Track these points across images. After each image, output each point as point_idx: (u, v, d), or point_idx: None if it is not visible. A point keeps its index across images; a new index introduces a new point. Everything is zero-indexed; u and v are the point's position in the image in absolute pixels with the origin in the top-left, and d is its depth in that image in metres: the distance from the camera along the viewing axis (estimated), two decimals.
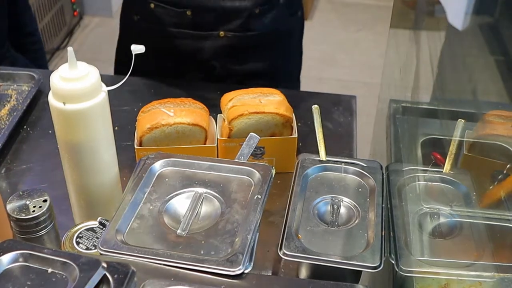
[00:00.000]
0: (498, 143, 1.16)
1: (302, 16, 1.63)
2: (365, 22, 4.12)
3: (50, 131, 1.36)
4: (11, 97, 1.47)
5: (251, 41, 1.49)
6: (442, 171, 1.13)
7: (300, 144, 1.29)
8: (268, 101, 1.21)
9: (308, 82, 3.57)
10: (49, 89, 0.98)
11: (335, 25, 4.11)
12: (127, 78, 1.06)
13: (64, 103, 0.96)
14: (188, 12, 1.39)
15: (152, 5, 1.45)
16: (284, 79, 1.41)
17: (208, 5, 1.38)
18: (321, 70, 3.68)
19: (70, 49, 0.95)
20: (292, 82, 1.66)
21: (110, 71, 3.47)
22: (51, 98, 0.98)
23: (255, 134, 1.08)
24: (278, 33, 1.53)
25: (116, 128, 1.10)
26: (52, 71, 1.55)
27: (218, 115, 1.26)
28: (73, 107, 0.96)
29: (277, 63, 1.57)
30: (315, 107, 1.14)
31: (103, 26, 4.05)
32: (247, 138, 1.08)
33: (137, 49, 1.02)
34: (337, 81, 3.58)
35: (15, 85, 1.51)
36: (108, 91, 1.00)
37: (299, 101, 1.42)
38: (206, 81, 1.54)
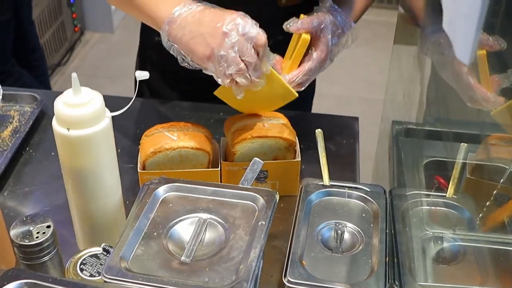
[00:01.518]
0: (500, 165, 1.16)
1: None
2: (365, 38, 4.13)
3: (52, 153, 1.36)
4: (13, 118, 1.47)
5: None
6: (445, 195, 1.13)
7: (303, 166, 1.29)
8: (271, 125, 1.21)
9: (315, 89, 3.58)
10: (52, 110, 0.98)
11: None
12: (129, 100, 1.06)
13: (68, 129, 0.96)
14: None
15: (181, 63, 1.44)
16: (297, 103, 1.41)
17: None
18: (321, 86, 3.65)
19: (74, 75, 0.95)
20: (306, 105, 1.66)
21: (111, 87, 3.51)
22: (55, 124, 0.98)
23: (258, 159, 1.08)
24: None
25: (118, 150, 1.09)
26: (54, 92, 1.58)
27: (222, 138, 1.26)
28: (77, 133, 0.96)
29: None
30: (318, 132, 1.14)
31: (104, 42, 4.06)
32: (250, 163, 1.08)
33: (141, 75, 1.02)
34: (337, 97, 3.58)
35: (18, 106, 1.51)
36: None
37: (302, 122, 1.42)
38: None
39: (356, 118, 1.52)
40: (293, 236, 1.00)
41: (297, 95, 1.21)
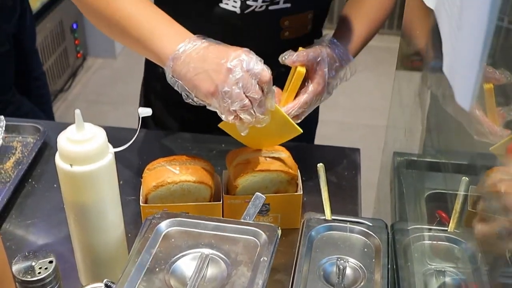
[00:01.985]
0: (502, 199, 1.16)
1: None
2: (367, 64, 4.15)
3: (55, 185, 1.36)
4: (16, 149, 1.48)
5: None
6: (447, 230, 1.13)
7: (305, 198, 1.29)
8: (273, 159, 1.21)
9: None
10: (55, 140, 0.99)
11: None
12: (131, 130, 1.07)
13: (71, 165, 0.97)
14: None
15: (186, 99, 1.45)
16: (300, 137, 1.43)
17: None
18: (322, 112, 3.67)
19: (77, 111, 0.96)
20: (309, 135, 1.67)
21: (114, 113, 3.52)
22: (58, 159, 0.98)
23: (260, 194, 1.08)
24: None
25: (121, 182, 1.10)
26: (57, 123, 1.58)
27: (224, 171, 1.27)
28: (80, 169, 0.97)
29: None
30: (320, 166, 1.15)
31: (106, 68, 4.08)
32: (252, 198, 1.08)
33: (144, 112, 1.03)
34: (339, 123, 3.59)
35: (20, 137, 1.52)
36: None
37: (303, 154, 1.43)
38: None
39: (358, 150, 1.52)
40: (295, 271, 1.00)
41: (301, 131, 1.21)
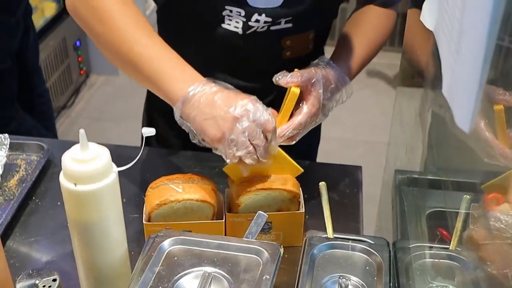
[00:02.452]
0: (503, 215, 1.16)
1: None
2: (367, 81, 4.17)
3: (58, 203, 1.37)
4: (20, 167, 1.48)
5: None
6: (448, 248, 1.13)
7: (307, 216, 1.29)
8: (275, 177, 1.22)
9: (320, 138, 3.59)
10: (59, 158, 1.00)
11: None
12: (134, 148, 1.08)
13: (75, 184, 0.97)
14: None
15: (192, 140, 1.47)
16: (302, 152, 1.44)
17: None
18: (324, 129, 3.69)
19: (82, 131, 0.97)
20: (311, 154, 1.68)
21: (116, 129, 3.53)
22: (62, 179, 0.99)
23: (263, 213, 1.09)
24: None
25: (124, 200, 1.10)
26: (61, 141, 1.59)
27: (226, 189, 1.27)
28: (84, 188, 0.97)
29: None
30: (322, 184, 1.15)
31: (109, 85, 4.10)
32: (255, 217, 1.09)
33: (148, 132, 1.04)
34: (340, 140, 3.60)
35: (24, 155, 1.52)
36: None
37: (305, 172, 1.43)
38: None
39: (360, 167, 1.53)
40: None
41: (302, 170, 1.24)
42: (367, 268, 1.07)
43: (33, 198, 1.41)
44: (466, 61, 0.59)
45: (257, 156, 1.13)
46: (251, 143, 1.11)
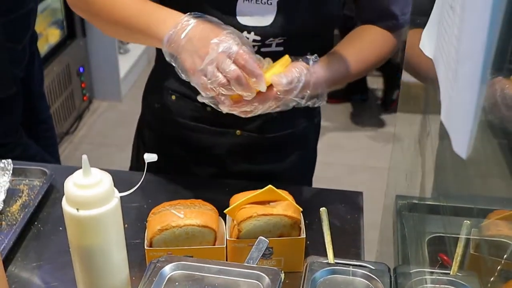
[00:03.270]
0: (504, 241, 1.16)
1: (319, 124, 1.66)
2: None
3: (61, 228, 1.38)
4: (22, 192, 1.49)
5: (266, 143, 1.52)
6: (449, 273, 1.13)
7: (308, 242, 1.30)
8: (276, 203, 1.22)
9: (316, 166, 3.60)
10: (61, 184, 1.01)
11: (340, 109, 4.17)
12: (136, 174, 1.09)
13: (77, 209, 0.98)
14: (209, 108, 1.43)
15: (173, 97, 1.50)
16: (295, 182, 1.44)
17: None
18: (327, 155, 3.71)
19: (84, 157, 0.98)
20: (303, 185, 1.68)
21: (119, 155, 3.54)
22: (64, 204, 1.00)
23: (264, 238, 1.09)
24: (294, 137, 1.56)
25: (125, 225, 1.11)
26: (63, 166, 1.60)
27: (227, 215, 1.28)
28: (86, 213, 0.98)
29: (290, 166, 1.59)
30: (322, 210, 1.16)
31: (111, 111, 4.12)
32: (256, 242, 1.09)
33: (150, 158, 1.05)
34: (343, 165, 3.61)
35: (27, 180, 1.53)
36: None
37: (307, 197, 1.44)
38: (216, 176, 1.56)
39: (360, 193, 1.53)
40: None
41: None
42: None
43: (36, 223, 1.41)
44: (462, 88, 0.60)
45: (233, 88, 1.15)
46: (225, 76, 1.14)
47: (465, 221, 1.18)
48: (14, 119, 2.46)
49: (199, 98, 1.21)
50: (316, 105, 1.29)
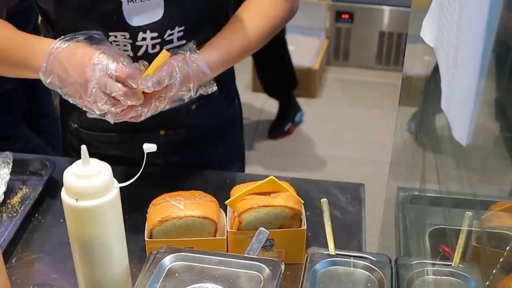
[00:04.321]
0: (506, 232, 1.16)
1: (239, 104, 1.64)
2: (373, 100, 4.18)
3: (61, 220, 1.37)
4: (23, 185, 1.49)
5: (192, 136, 1.52)
6: (451, 265, 1.13)
7: (309, 233, 1.29)
8: (277, 194, 1.22)
9: (316, 160, 3.61)
10: (61, 176, 1.00)
11: (343, 103, 4.17)
12: (136, 167, 1.09)
13: (76, 200, 0.98)
14: None
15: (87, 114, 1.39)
16: (228, 167, 1.48)
17: None
18: (329, 148, 3.71)
19: (83, 147, 0.98)
20: (237, 166, 1.68)
21: None
22: (63, 194, 1.00)
23: (264, 229, 1.09)
24: (218, 125, 1.56)
25: (126, 217, 1.10)
26: (64, 158, 1.59)
27: (228, 206, 1.27)
28: (85, 203, 0.98)
29: (220, 152, 1.60)
30: (323, 201, 1.15)
31: None
32: (256, 233, 1.09)
33: (149, 148, 1.04)
34: (346, 159, 3.60)
35: (28, 172, 1.53)
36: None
37: (308, 189, 1.44)
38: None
39: (362, 185, 1.53)
40: None
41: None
42: (369, 285, 1.07)
43: (36, 215, 1.41)
44: (462, 75, 0.59)
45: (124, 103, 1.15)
46: (112, 97, 1.14)
47: (467, 212, 1.17)
48: (15, 113, 2.46)
49: (88, 115, 1.22)
50: (209, 92, 1.28)
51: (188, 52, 1.25)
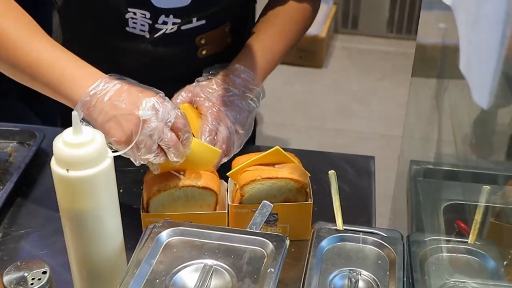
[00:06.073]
0: None
1: None
2: (383, 71, 4.16)
3: (51, 193, 1.36)
4: (10, 156, 1.49)
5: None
6: (467, 241, 1.13)
7: (316, 208, 1.29)
8: (281, 166, 1.22)
9: (324, 133, 3.61)
10: (51, 147, 0.99)
11: (351, 74, 4.15)
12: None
13: (67, 170, 0.97)
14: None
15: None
16: None
17: None
18: (337, 121, 3.70)
19: (74, 113, 0.97)
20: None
21: None
22: (53, 164, 0.99)
23: (268, 202, 1.09)
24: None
25: (121, 190, 1.10)
26: (53, 128, 1.59)
27: (229, 178, 1.27)
28: (77, 174, 0.97)
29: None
30: (331, 173, 1.15)
31: None
32: (259, 207, 1.09)
33: (145, 114, 1.04)
34: (354, 132, 3.60)
35: (15, 143, 1.53)
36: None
37: (315, 161, 1.43)
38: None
39: (372, 157, 1.52)
40: (304, 285, 1.01)
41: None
42: (379, 262, 1.07)
43: (24, 188, 1.41)
44: (484, 30, 0.58)
45: (169, 156, 1.13)
46: (159, 145, 1.11)
47: (485, 186, 1.17)
48: (4, 84, 2.44)
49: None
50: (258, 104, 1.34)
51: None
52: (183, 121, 1.12)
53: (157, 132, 1.09)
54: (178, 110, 1.13)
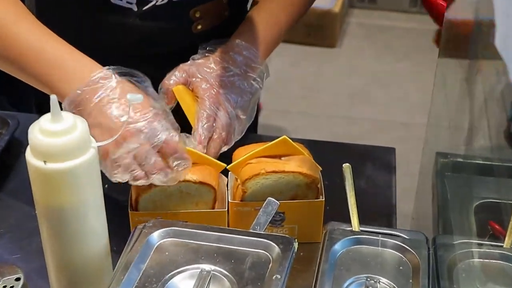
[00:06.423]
0: None
1: None
2: (404, 51, 4.16)
3: (26, 188, 1.37)
4: None
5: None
6: (502, 245, 1.13)
7: (328, 207, 1.29)
8: (289, 158, 1.22)
9: (337, 122, 3.61)
10: (26, 136, 0.99)
11: (368, 54, 4.16)
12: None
13: (44, 162, 0.97)
14: None
15: None
16: None
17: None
18: (352, 108, 3.71)
19: (53, 97, 0.96)
20: None
21: None
22: (29, 155, 0.99)
23: (273, 200, 1.09)
24: None
25: (106, 185, 1.10)
26: (29, 115, 1.59)
27: (229, 172, 1.27)
28: (56, 166, 0.97)
29: None
30: (346, 166, 1.15)
31: None
32: (264, 204, 1.09)
33: (135, 98, 1.04)
34: (371, 121, 3.60)
35: None
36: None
37: (327, 153, 1.43)
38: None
39: (393, 149, 1.52)
40: None
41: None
42: (401, 268, 1.07)
43: None
44: None
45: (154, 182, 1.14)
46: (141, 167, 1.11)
47: None
48: None
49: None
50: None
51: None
52: (174, 146, 1.12)
53: (138, 153, 1.10)
54: (174, 133, 1.13)
